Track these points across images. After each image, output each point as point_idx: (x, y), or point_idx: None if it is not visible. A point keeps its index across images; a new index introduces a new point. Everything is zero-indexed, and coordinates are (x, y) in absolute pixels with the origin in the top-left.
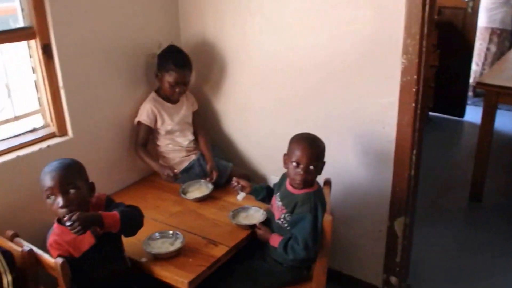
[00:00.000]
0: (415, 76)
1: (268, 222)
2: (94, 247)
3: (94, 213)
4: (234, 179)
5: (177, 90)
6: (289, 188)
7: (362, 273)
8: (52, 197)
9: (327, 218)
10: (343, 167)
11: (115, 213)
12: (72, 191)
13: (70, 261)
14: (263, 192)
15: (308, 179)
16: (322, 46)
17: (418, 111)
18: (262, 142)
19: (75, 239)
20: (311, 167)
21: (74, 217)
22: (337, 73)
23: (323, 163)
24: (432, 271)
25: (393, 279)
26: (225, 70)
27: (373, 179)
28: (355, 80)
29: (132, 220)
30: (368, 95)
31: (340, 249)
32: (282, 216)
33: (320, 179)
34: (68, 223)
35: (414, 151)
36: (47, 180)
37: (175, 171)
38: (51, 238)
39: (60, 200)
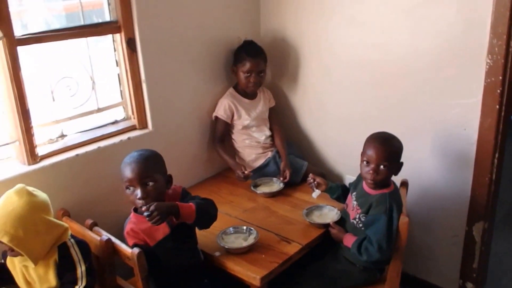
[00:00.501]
0: (500, 77)
1: (342, 221)
2: (168, 237)
3: (171, 203)
4: (310, 175)
5: (251, 80)
6: (365, 188)
7: (437, 278)
8: (131, 188)
9: (403, 219)
10: (420, 168)
11: (191, 204)
12: (150, 183)
13: (145, 250)
14: (338, 190)
15: (378, 179)
16: (404, 44)
17: (502, 114)
18: (339, 141)
19: (150, 228)
20: (382, 167)
21: (152, 208)
22: (418, 72)
23: (399, 163)
24: (511, 279)
25: (469, 286)
26: (302, 66)
27: (451, 182)
28: (437, 80)
29: (207, 213)
30: (450, 96)
31: (415, 253)
32: (357, 216)
33: (397, 180)
34: (146, 213)
35: (496, 155)
36: (127, 172)
37: (247, 172)
38: (128, 227)
39: (138, 192)
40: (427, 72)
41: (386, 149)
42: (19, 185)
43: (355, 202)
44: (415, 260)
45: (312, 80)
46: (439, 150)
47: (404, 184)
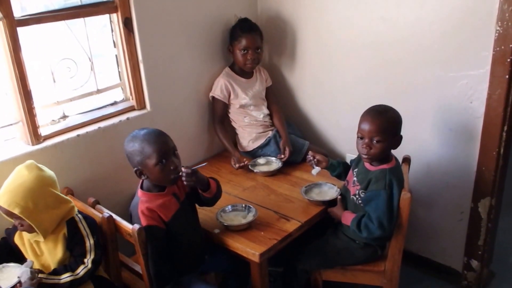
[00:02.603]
0: (511, 46)
1: (342, 200)
2: (179, 211)
3: (203, 175)
4: (310, 153)
5: (249, 57)
6: (366, 164)
7: (441, 257)
8: (164, 160)
9: (405, 195)
10: (424, 143)
11: (213, 180)
12: (177, 153)
13: (160, 229)
14: (339, 167)
15: (372, 154)
16: (409, 17)
17: None
18: (340, 120)
19: (163, 204)
20: (375, 141)
21: (193, 169)
22: (424, 45)
23: (396, 137)
24: None
25: (474, 263)
26: (300, 45)
27: (457, 157)
28: (443, 52)
29: (220, 190)
30: (456, 67)
31: (418, 231)
32: (357, 192)
33: (399, 156)
34: (186, 171)
35: (505, 128)
36: (157, 146)
37: (242, 164)
38: (141, 206)
39: (175, 161)
40: (434, 44)
41: (378, 123)
42: (29, 161)
43: (355, 179)
44: (418, 238)
45: (310, 59)
46: (443, 124)
47: (406, 160)
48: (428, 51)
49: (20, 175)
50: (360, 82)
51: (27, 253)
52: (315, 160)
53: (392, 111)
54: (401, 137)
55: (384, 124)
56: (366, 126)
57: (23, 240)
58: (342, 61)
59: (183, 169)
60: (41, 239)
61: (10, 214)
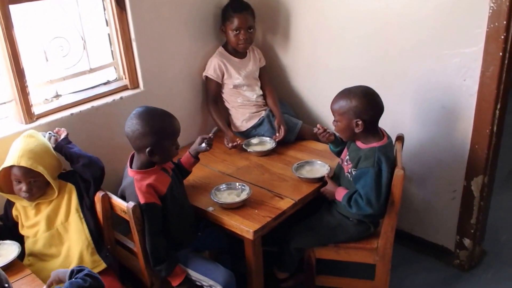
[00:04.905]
0: (505, 22)
1: (335, 177)
2: (171, 185)
3: None
4: (318, 125)
5: (241, 37)
6: (357, 142)
7: (434, 235)
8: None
9: (398, 172)
10: (417, 121)
11: None
12: None
13: (158, 206)
14: (342, 144)
15: (339, 133)
16: None
17: (506, 62)
18: (330, 100)
19: (157, 179)
20: (335, 121)
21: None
22: (417, 22)
23: (355, 121)
24: (511, 236)
25: (466, 242)
26: (294, 23)
27: (449, 135)
28: (437, 29)
29: None
30: (450, 45)
31: (411, 210)
32: (349, 170)
33: (393, 134)
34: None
35: (498, 105)
36: (177, 128)
37: (236, 143)
38: (138, 184)
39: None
40: (428, 21)
41: (336, 103)
42: (30, 130)
43: (348, 157)
44: (411, 217)
45: (304, 38)
46: (436, 102)
47: (400, 138)
48: (423, 29)
49: (30, 141)
50: (353, 61)
51: (40, 224)
52: (326, 133)
53: (357, 95)
54: (365, 122)
55: (341, 105)
56: (331, 104)
57: (28, 215)
58: (336, 40)
59: (211, 135)
60: (53, 196)
61: (28, 175)
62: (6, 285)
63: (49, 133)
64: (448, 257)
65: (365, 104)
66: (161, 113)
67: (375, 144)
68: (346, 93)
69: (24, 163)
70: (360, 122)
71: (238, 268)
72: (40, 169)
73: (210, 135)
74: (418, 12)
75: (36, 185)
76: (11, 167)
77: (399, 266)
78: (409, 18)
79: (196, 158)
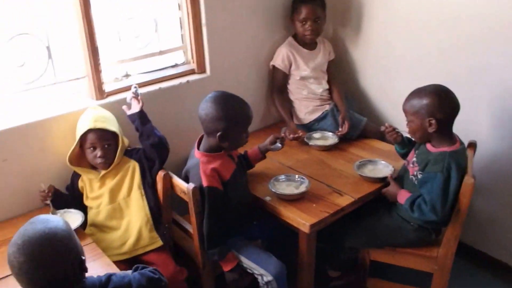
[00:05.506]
0: None
1: (398, 180)
2: (235, 172)
3: None
4: (387, 124)
5: (308, 28)
6: (428, 145)
7: (497, 251)
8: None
9: (468, 180)
10: (492, 130)
11: None
12: None
13: (220, 190)
14: (408, 146)
15: (411, 134)
16: None
17: None
18: (400, 100)
19: (223, 164)
20: (408, 121)
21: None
22: (501, 22)
23: (427, 120)
24: None
25: None
26: (367, 17)
27: None
28: None
29: None
30: None
31: (474, 222)
32: (415, 172)
33: (466, 139)
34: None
35: None
36: (251, 116)
37: (297, 135)
38: (204, 167)
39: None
40: (506, 22)
41: (408, 103)
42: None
43: (415, 159)
44: (474, 231)
45: (376, 32)
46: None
47: (472, 145)
48: (498, 28)
49: (100, 109)
50: (426, 62)
51: (103, 196)
52: (395, 132)
53: (429, 92)
54: (438, 121)
55: (412, 104)
56: (403, 105)
57: (92, 186)
58: (410, 38)
59: (284, 135)
60: (117, 168)
61: (102, 138)
62: (83, 257)
63: (135, 87)
64: (510, 275)
65: (438, 102)
66: (237, 100)
67: (446, 149)
68: (418, 92)
69: (100, 125)
70: (433, 121)
71: (289, 261)
72: (114, 130)
73: (283, 134)
74: (503, 11)
75: (110, 151)
76: (85, 136)
77: (455, 277)
78: (482, 16)
79: (264, 155)
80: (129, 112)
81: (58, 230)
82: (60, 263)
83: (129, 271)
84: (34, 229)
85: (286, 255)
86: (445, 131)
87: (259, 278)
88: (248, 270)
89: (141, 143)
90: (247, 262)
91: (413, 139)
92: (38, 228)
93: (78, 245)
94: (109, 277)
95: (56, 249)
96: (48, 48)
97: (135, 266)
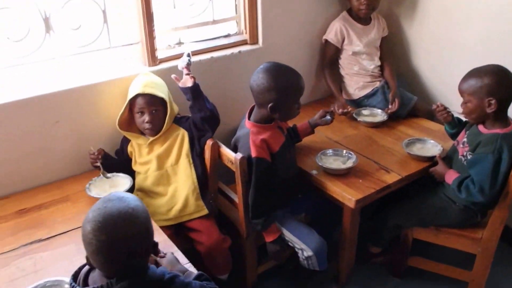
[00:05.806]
0: None
1: (447, 160)
2: (284, 144)
3: None
4: (438, 103)
5: (363, 1)
6: (479, 126)
7: None
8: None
9: None
10: None
11: None
12: None
13: (268, 162)
14: (458, 127)
15: (464, 113)
16: None
17: None
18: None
19: (273, 135)
20: (465, 101)
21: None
22: None
23: (486, 100)
24: None
25: None
26: None
27: None
28: None
29: None
30: None
31: None
32: (465, 153)
33: None
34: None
35: None
36: (303, 86)
37: (346, 110)
38: (254, 137)
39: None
40: None
41: (465, 83)
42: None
43: (465, 139)
44: None
45: (433, 10)
46: None
47: None
48: None
49: (151, 75)
50: (484, 46)
51: (151, 161)
52: (446, 110)
53: (489, 72)
54: (498, 102)
55: (471, 84)
56: (459, 85)
57: (142, 151)
58: (469, 21)
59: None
60: (166, 135)
61: (151, 103)
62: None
63: (188, 54)
64: None
65: (499, 81)
66: (289, 70)
67: (498, 131)
68: (476, 71)
69: (148, 90)
70: (493, 101)
71: (330, 238)
72: (162, 96)
73: (332, 109)
74: None
75: (158, 117)
76: (134, 100)
77: (498, 262)
78: None
79: (313, 130)
80: (181, 85)
81: (140, 209)
82: (141, 245)
83: (192, 278)
84: (116, 207)
85: (328, 231)
86: (501, 113)
87: (300, 252)
88: (289, 244)
89: (192, 114)
90: (289, 236)
91: (463, 120)
92: (121, 207)
93: (152, 227)
94: (173, 277)
95: (139, 230)
96: (104, 12)
97: (199, 273)
